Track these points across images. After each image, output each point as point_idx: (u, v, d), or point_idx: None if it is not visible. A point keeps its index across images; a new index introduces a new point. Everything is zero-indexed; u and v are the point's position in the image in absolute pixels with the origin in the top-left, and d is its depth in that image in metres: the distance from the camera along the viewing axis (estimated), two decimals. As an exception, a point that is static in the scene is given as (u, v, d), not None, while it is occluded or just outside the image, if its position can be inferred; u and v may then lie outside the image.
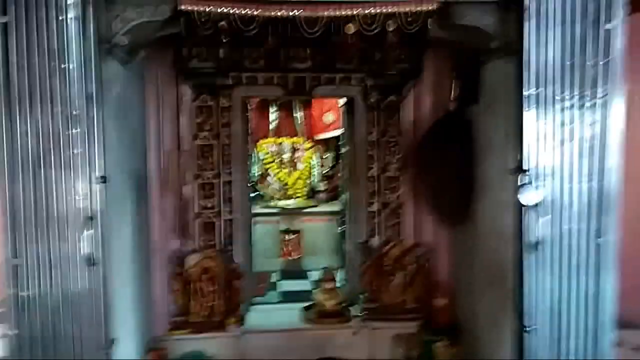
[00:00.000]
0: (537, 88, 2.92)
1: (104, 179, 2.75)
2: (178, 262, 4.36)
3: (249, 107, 5.17)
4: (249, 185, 5.21)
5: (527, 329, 2.93)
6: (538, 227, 2.89)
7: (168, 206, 4.38)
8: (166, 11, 3.03)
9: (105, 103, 2.98)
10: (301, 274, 6.43)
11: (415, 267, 4.55)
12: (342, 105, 5.15)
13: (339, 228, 5.75)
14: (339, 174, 6.50)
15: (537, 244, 2.90)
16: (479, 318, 3.81)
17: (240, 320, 4.44)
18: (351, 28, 3.04)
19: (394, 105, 4.53)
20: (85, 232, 2.67)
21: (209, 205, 4.45)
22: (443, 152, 3.98)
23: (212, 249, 4.43)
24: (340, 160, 6.01)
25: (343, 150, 5.38)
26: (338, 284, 4.86)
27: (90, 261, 2.70)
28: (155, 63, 4.17)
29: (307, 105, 7.35)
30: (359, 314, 4.57)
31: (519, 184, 2.92)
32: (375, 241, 4.62)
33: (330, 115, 7.13)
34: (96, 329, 2.83)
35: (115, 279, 3.09)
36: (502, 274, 3.35)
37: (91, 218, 2.69)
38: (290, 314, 4.76)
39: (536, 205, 2.88)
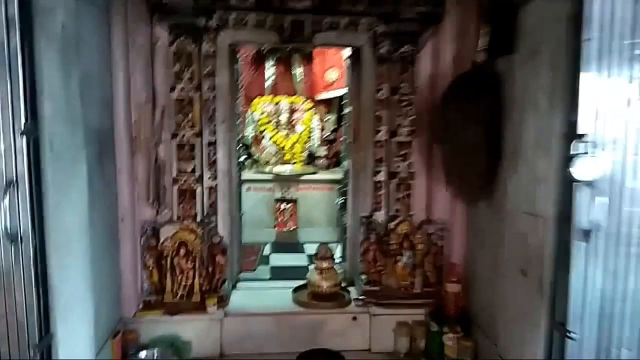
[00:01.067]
0: (601, 32, 2.23)
1: (29, 132, 2.09)
2: (152, 234, 3.76)
3: (238, 57, 4.48)
4: (238, 148, 4.56)
5: (572, 334, 2.34)
6: (593, 210, 2.25)
7: (140, 169, 3.74)
8: None
9: (43, 35, 2.31)
10: (296, 247, 5.89)
11: (426, 246, 3.95)
12: (347, 57, 4.44)
13: (339, 199, 5.14)
14: (341, 139, 5.84)
15: (590, 230, 2.27)
16: (502, 311, 3.23)
17: (223, 301, 3.88)
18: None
19: (409, 57, 3.82)
20: (3, 200, 2.03)
21: (189, 169, 3.81)
22: (466, 112, 3.31)
23: (191, 219, 3.83)
24: (342, 123, 5.34)
25: (346, 110, 4.70)
26: (336, 262, 4.27)
27: (12, 236, 2.08)
28: (123, -3, 3.48)
29: (307, 61, 6.63)
30: (359, 298, 4.01)
31: (571, 153, 2.27)
32: (381, 215, 4.01)
33: (333, 72, 6.41)
34: (27, 320, 2.24)
35: (62, 256, 2.49)
36: (536, 263, 2.75)
37: (12, 182, 2.06)
38: (281, 294, 4.20)
39: (591, 181, 2.24)
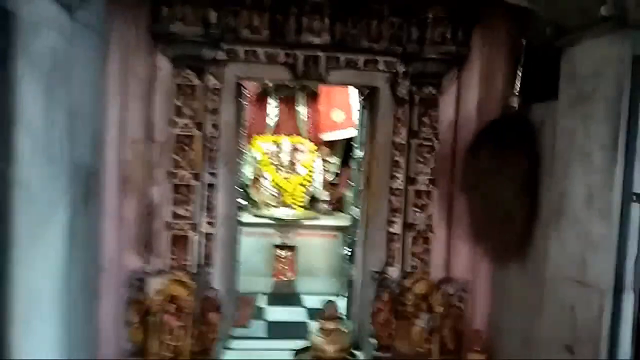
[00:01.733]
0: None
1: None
2: (138, 286, 3.32)
3: (244, 93, 4.16)
4: (238, 190, 4.19)
5: None
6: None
7: (129, 213, 3.34)
8: None
9: (25, 57, 1.98)
10: (294, 300, 5.41)
11: (445, 309, 3.53)
12: (362, 98, 4.14)
13: (346, 249, 4.74)
14: (350, 182, 5.46)
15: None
16: (538, 392, 2.80)
17: (215, 365, 3.41)
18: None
19: (432, 100, 3.51)
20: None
21: (184, 213, 3.41)
22: (499, 162, 2.99)
23: (183, 270, 3.39)
24: (352, 167, 4.99)
25: (358, 153, 4.37)
26: (341, 322, 3.82)
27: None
28: (124, 22, 3.19)
29: (312, 100, 6.34)
30: (369, 365, 3.57)
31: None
32: (394, 271, 3.60)
33: (339, 112, 6.11)
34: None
35: (28, 320, 2.07)
36: (588, 340, 2.36)
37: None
38: (279, 357, 3.74)
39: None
